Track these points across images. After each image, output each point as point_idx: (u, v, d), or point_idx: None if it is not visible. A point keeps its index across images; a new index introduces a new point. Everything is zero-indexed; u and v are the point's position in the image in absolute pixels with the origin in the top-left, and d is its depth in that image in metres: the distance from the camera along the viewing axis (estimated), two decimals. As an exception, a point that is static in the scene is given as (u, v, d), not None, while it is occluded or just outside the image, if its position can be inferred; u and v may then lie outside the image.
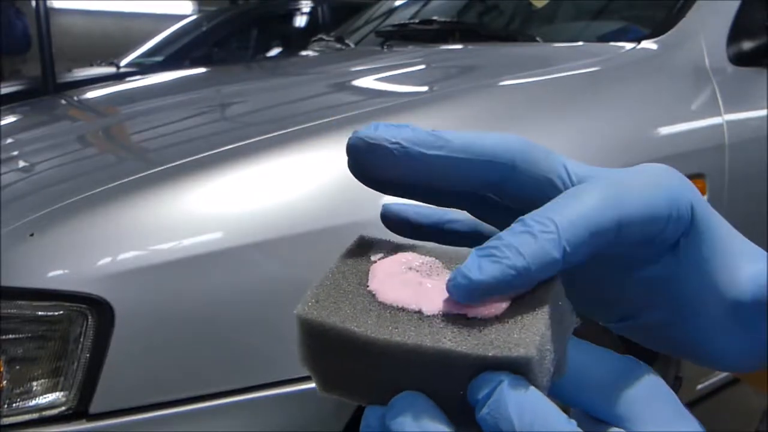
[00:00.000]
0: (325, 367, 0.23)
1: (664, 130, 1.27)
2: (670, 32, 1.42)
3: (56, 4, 7.39)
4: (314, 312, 0.23)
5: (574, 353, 0.23)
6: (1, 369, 0.81)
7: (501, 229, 0.27)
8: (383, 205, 0.29)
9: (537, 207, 0.24)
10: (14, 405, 0.81)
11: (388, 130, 0.24)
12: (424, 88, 1.39)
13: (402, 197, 0.28)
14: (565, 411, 0.21)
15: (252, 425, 0.88)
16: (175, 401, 0.85)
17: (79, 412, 0.82)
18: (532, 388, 0.20)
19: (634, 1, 1.75)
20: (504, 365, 0.20)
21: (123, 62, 4.47)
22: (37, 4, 3.49)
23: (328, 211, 0.91)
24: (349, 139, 0.25)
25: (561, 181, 0.25)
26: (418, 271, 0.24)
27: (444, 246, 0.28)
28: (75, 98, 1.89)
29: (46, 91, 3.33)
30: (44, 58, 3.45)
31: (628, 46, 1.43)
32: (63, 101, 1.92)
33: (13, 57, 5.84)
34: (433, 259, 0.25)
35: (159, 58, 4.51)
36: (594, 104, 1.25)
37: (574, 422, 0.20)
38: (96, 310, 0.81)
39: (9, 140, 1.38)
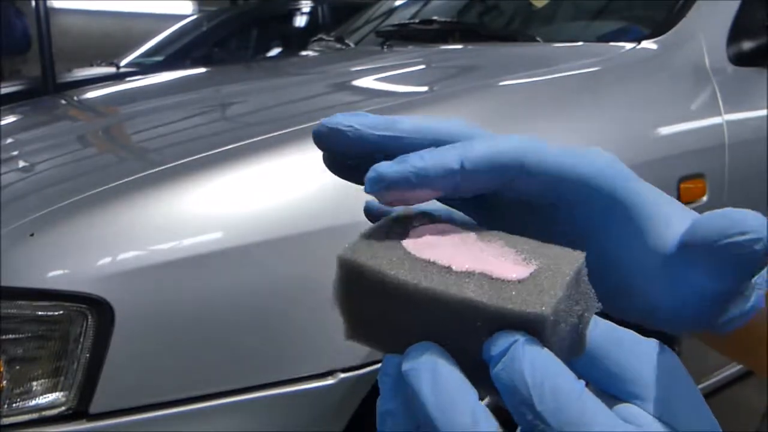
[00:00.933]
0: (356, 310, 0.25)
1: (664, 130, 1.27)
2: (670, 32, 1.42)
3: (56, 4, 7.38)
4: (353, 255, 0.24)
5: (597, 331, 0.24)
6: (1, 369, 0.81)
7: (466, 211, 0.31)
8: (366, 202, 0.32)
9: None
10: (14, 405, 0.81)
11: (344, 117, 0.27)
12: (424, 88, 1.39)
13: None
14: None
15: (252, 425, 0.88)
16: (175, 401, 0.85)
17: (79, 412, 0.82)
18: (547, 350, 0.21)
19: (634, 1, 1.75)
20: (519, 322, 0.21)
21: (123, 62, 4.46)
22: (37, 4, 3.48)
23: (329, 211, 0.91)
24: (313, 128, 0.28)
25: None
26: (451, 236, 0.26)
27: (476, 224, 0.30)
28: (75, 98, 1.89)
29: (46, 91, 3.33)
30: (44, 58, 3.44)
31: (628, 46, 1.43)
32: (63, 101, 1.92)
33: (13, 57, 5.84)
34: (468, 230, 0.27)
35: (159, 58, 4.51)
36: (594, 104, 1.25)
37: (582, 382, 0.21)
38: (96, 310, 0.81)
39: (9, 140, 1.38)
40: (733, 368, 1.56)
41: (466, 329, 0.22)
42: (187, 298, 0.85)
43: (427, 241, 0.26)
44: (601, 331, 0.24)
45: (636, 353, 0.24)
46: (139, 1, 8.40)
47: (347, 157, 0.29)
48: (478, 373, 0.22)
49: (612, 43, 1.49)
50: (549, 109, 1.20)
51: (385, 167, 0.25)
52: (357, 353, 0.91)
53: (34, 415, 0.81)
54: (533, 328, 0.21)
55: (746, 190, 1.34)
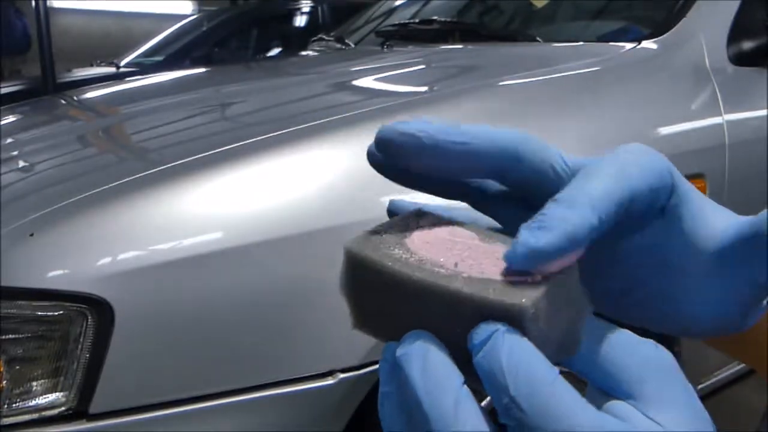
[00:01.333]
0: (360, 300, 0.26)
1: (664, 130, 1.27)
2: (670, 32, 1.42)
3: (56, 4, 7.38)
4: (357, 246, 0.26)
5: (591, 328, 0.25)
6: (1, 369, 0.81)
7: (498, 220, 0.31)
8: (390, 201, 0.32)
9: (538, 192, 0.27)
10: (14, 405, 0.81)
11: (416, 123, 0.27)
12: (424, 88, 1.39)
13: (416, 189, 0.31)
14: (582, 385, 0.23)
15: (252, 425, 0.88)
16: (175, 401, 0.85)
17: (79, 412, 0.82)
18: (526, 339, 0.22)
19: (634, 1, 1.75)
20: (501, 314, 0.22)
21: (123, 62, 4.47)
22: (37, 4, 3.48)
23: (329, 211, 0.91)
24: (380, 130, 0.27)
25: (560, 168, 0.28)
26: (454, 237, 0.27)
27: (482, 227, 0.31)
28: (75, 98, 1.89)
29: (46, 91, 3.33)
30: (44, 58, 3.45)
31: (629, 46, 1.43)
32: (63, 101, 1.92)
33: (13, 57, 5.84)
34: (472, 233, 0.28)
35: (159, 58, 4.51)
36: (594, 104, 1.25)
37: (557, 370, 0.22)
38: (96, 310, 0.81)
39: (9, 140, 1.38)
40: (733, 368, 1.56)
41: (456, 321, 0.23)
42: (187, 298, 0.85)
43: (430, 240, 0.27)
44: (597, 331, 0.25)
45: (631, 353, 0.24)
46: (139, 1, 8.40)
47: (411, 165, 0.28)
48: (468, 364, 0.23)
49: (612, 43, 1.49)
50: (549, 109, 1.20)
51: (532, 240, 0.23)
52: (357, 353, 0.91)
53: (34, 415, 0.81)
54: (514, 320, 0.22)
55: (746, 190, 1.34)
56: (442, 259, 0.25)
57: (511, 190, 0.29)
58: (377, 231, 0.27)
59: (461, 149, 0.27)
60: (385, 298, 0.25)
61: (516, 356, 0.21)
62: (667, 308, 0.30)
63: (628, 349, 0.24)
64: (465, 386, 0.22)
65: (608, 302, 0.31)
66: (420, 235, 0.27)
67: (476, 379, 0.22)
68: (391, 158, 0.28)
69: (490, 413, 0.22)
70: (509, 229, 0.30)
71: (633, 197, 0.26)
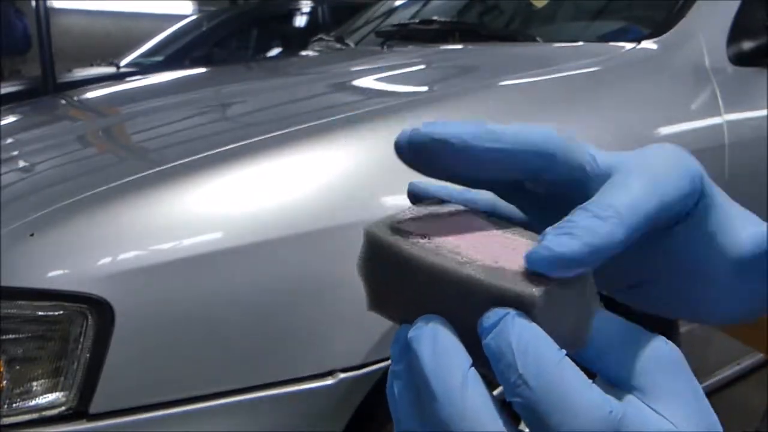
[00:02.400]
0: (377, 282, 0.27)
1: (664, 130, 1.27)
2: (670, 32, 1.42)
3: (56, 4, 7.38)
4: (377, 229, 0.27)
5: (600, 322, 0.25)
6: (1, 369, 0.81)
7: (523, 210, 0.32)
8: (410, 183, 0.32)
9: (568, 192, 0.28)
10: (14, 405, 0.81)
11: (448, 127, 0.27)
12: (424, 88, 1.39)
13: (443, 180, 0.30)
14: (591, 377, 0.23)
15: (252, 425, 0.88)
16: (175, 401, 0.85)
17: (79, 412, 0.82)
18: (535, 324, 0.23)
19: (634, 1, 1.75)
20: (512, 301, 0.23)
21: (123, 62, 4.47)
22: (37, 4, 3.48)
23: (328, 212, 0.91)
24: (412, 134, 0.27)
25: (590, 167, 0.28)
26: (474, 228, 0.28)
27: (503, 215, 0.31)
28: (75, 98, 1.89)
29: (46, 91, 3.33)
30: (44, 58, 3.45)
31: (628, 46, 1.43)
32: (63, 101, 1.92)
33: (13, 57, 5.84)
34: (490, 223, 0.28)
35: (159, 58, 4.51)
36: (594, 104, 1.25)
37: (563, 352, 0.22)
38: (96, 310, 0.81)
39: (9, 140, 1.38)
40: (733, 368, 1.56)
41: (468, 306, 0.24)
42: (187, 298, 0.85)
43: (449, 227, 0.27)
44: (608, 325, 0.25)
45: (639, 347, 0.25)
46: (139, 1, 8.40)
47: (443, 167, 0.28)
48: (478, 349, 0.23)
49: (612, 43, 1.49)
50: (549, 109, 1.20)
51: (556, 245, 0.24)
52: (357, 353, 0.91)
53: (34, 415, 0.81)
54: (525, 308, 0.23)
55: (746, 190, 1.34)
56: (459, 246, 0.26)
57: (539, 187, 0.30)
58: (397, 216, 0.28)
59: (495, 156, 0.26)
60: (401, 281, 0.26)
61: (525, 337, 0.22)
62: (680, 303, 0.31)
63: (637, 343, 0.25)
64: (473, 368, 0.23)
65: (619, 291, 0.32)
66: (439, 222, 0.28)
67: (485, 364, 0.23)
68: (424, 160, 0.27)
69: (502, 404, 0.23)
70: (530, 219, 0.31)
71: (662, 208, 0.26)
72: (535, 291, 0.23)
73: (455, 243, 0.26)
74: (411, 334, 0.24)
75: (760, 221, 0.30)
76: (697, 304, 0.30)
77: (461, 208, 0.30)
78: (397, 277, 0.26)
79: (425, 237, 0.26)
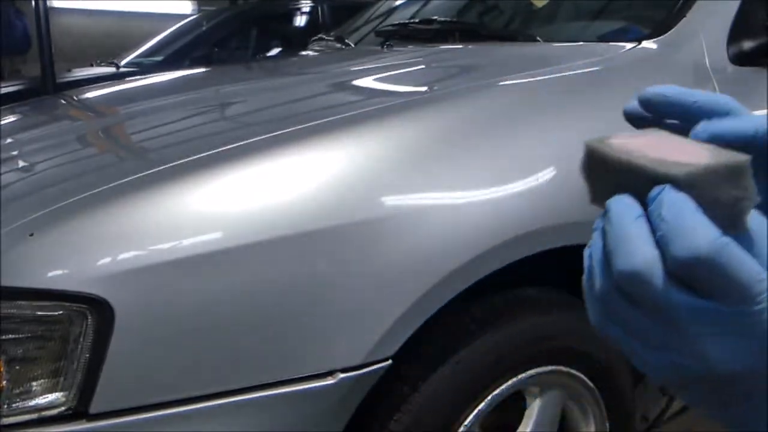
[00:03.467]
0: (594, 181, 0.36)
1: (664, 130, 1.27)
2: (670, 32, 1.42)
3: (56, 4, 7.39)
4: (593, 143, 0.36)
5: (755, 220, 0.32)
6: (1, 369, 0.81)
7: None
8: (625, 107, 0.42)
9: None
10: (14, 405, 0.81)
11: (662, 88, 0.40)
12: (424, 88, 1.39)
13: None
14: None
15: (252, 425, 0.88)
16: (175, 401, 0.85)
17: (79, 412, 0.82)
18: (686, 196, 0.31)
19: (634, 1, 1.75)
20: (666, 180, 0.32)
21: (123, 62, 4.46)
22: (37, 4, 3.48)
23: (328, 212, 0.91)
24: (646, 92, 0.41)
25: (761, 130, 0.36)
26: (667, 141, 0.36)
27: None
28: (75, 98, 1.89)
29: (46, 91, 3.33)
30: (44, 58, 3.44)
31: (628, 45, 1.43)
32: (63, 101, 1.92)
33: (13, 57, 5.84)
34: (681, 138, 0.36)
35: (159, 58, 4.51)
36: (594, 104, 1.25)
37: (699, 209, 0.31)
38: (96, 310, 0.81)
39: (9, 140, 1.38)
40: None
41: (643, 188, 0.33)
42: (187, 298, 0.85)
43: (648, 142, 0.35)
44: (758, 220, 0.32)
45: None
46: (139, 1, 8.41)
47: (664, 115, 0.39)
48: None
49: (612, 43, 1.49)
50: (549, 109, 1.20)
51: (716, 123, 0.35)
52: (357, 353, 0.91)
53: (34, 415, 0.81)
54: (674, 184, 0.31)
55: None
56: (642, 149, 0.34)
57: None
58: (609, 136, 0.37)
59: (696, 106, 0.38)
60: (609, 177, 0.35)
61: (671, 196, 0.31)
62: None
63: None
64: (644, 216, 0.32)
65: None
66: (639, 138, 0.36)
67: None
68: (651, 113, 0.40)
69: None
70: None
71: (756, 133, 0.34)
72: (678, 174, 0.31)
73: (648, 150, 0.34)
74: (608, 205, 0.34)
75: None
76: None
77: (662, 130, 0.38)
78: (607, 176, 0.35)
79: (626, 147, 0.35)
